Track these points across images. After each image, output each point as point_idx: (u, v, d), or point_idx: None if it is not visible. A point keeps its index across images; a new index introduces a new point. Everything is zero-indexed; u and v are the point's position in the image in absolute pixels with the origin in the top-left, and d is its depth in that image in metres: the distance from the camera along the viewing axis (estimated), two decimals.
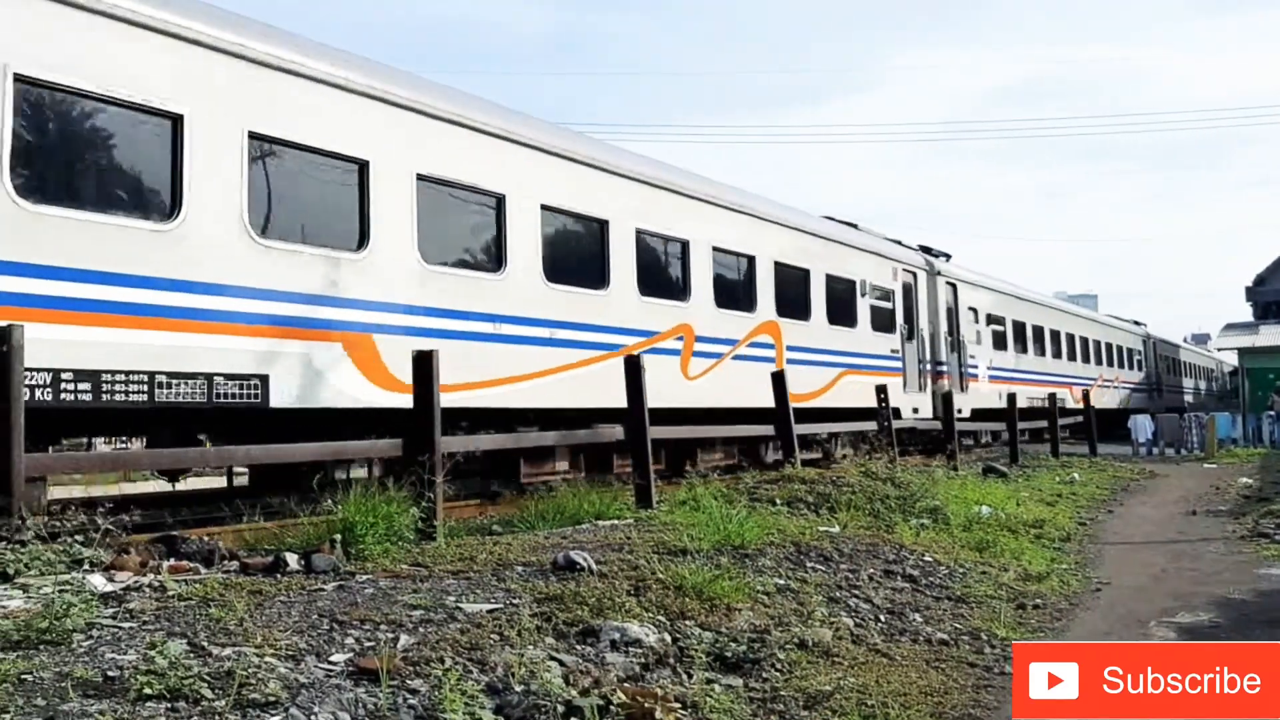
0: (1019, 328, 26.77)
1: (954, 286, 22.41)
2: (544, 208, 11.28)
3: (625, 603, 5.43)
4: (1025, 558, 8.86)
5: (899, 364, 19.30)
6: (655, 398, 11.24)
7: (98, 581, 5.10)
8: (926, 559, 7.99)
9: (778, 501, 9.56)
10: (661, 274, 13.43)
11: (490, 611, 5.04)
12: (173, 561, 5.93)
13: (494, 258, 10.79)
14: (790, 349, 15.58)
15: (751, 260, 15.09)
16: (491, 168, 10.75)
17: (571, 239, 12.15)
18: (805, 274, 16.49)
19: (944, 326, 21.58)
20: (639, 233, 12.72)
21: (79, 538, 5.56)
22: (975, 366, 22.98)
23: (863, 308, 18.14)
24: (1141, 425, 28.74)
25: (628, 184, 12.71)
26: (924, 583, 7.37)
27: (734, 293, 14.75)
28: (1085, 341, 33.08)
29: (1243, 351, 36.49)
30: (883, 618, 6.41)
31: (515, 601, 5.26)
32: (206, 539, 6.68)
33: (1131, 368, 39.39)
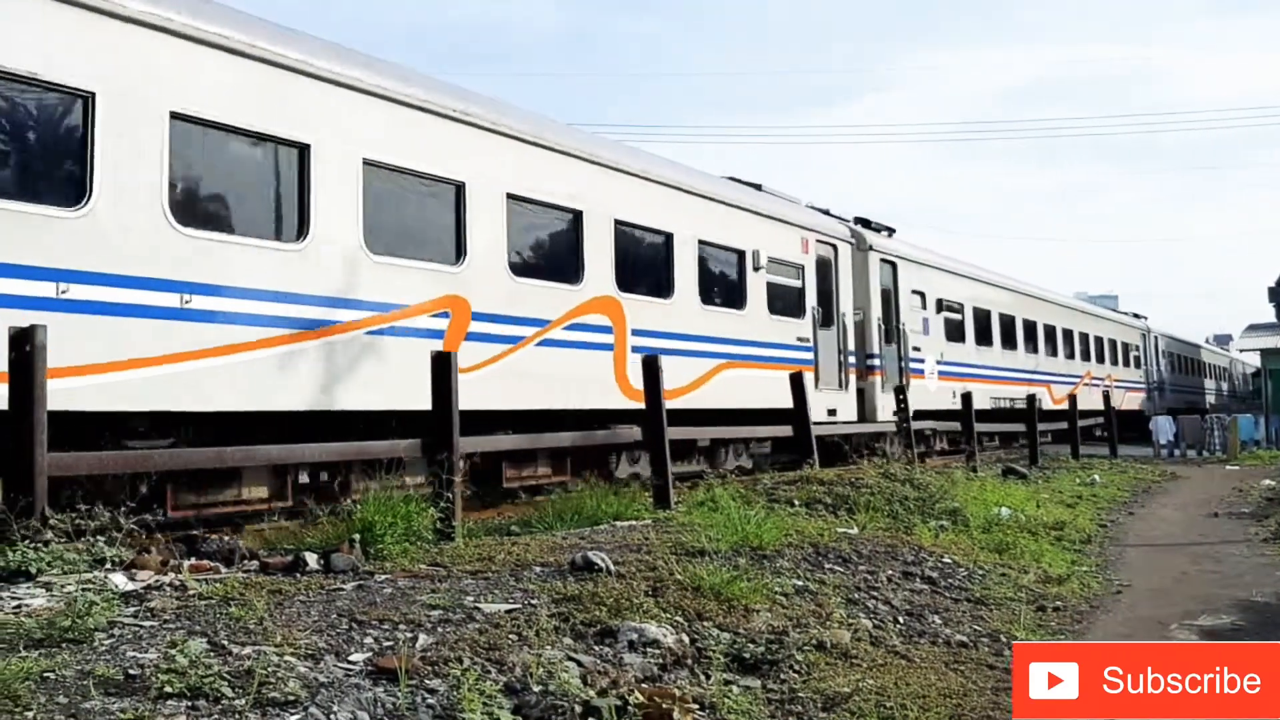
0: (982, 317, 23.02)
1: (893, 265, 18.90)
2: (176, 118, 7.77)
3: (643, 603, 5.43)
4: (1045, 560, 8.81)
5: (809, 355, 15.61)
6: (395, 395, 8.95)
7: (119, 580, 5.14)
8: (946, 561, 7.96)
9: (796, 503, 9.54)
10: (414, 227, 9.79)
11: (508, 612, 5.05)
12: (193, 560, 5.97)
13: (68, 188, 7.24)
14: (638, 334, 12.09)
15: (578, 216, 11.43)
16: (64, 46, 7.21)
17: (238, 169, 8.49)
18: (666, 239, 12.89)
19: (877, 312, 18.08)
20: (370, 167, 9.13)
21: (100, 537, 5.60)
22: (920, 361, 19.42)
23: (755, 285, 14.53)
24: (1163, 426, 28.63)
25: (352, 98, 9.09)
26: (943, 585, 7.34)
27: (545, 258, 11.35)
28: (1070, 335, 29.33)
29: (1265, 352, 36.15)
30: (901, 619, 6.39)
31: (533, 602, 5.26)
32: (227, 538, 6.72)
33: (1128, 365, 35.85)
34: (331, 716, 3.71)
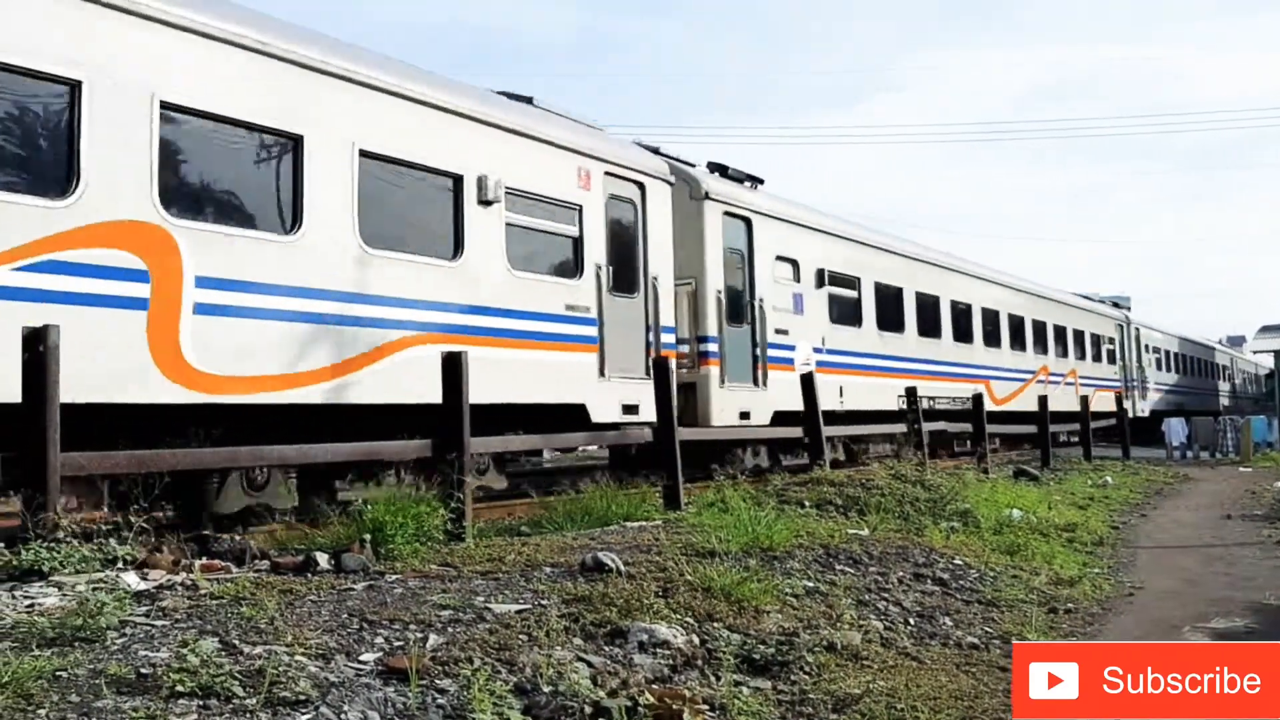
0: (889, 297, 18.54)
1: (747, 222, 14.59)
2: None
3: (653, 604, 5.43)
4: (1057, 561, 8.78)
5: (590, 330, 11.40)
6: None
7: (131, 580, 5.15)
8: (957, 562, 7.94)
9: (806, 504, 9.53)
10: None
11: (519, 612, 5.05)
12: (205, 560, 5.99)
13: None
14: (212, 285, 7.84)
15: (74, 90, 7.17)
16: None
17: None
18: (290, 144, 8.54)
19: (718, 282, 13.80)
20: None
21: (112, 536, 5.62)
22: (789, 349, 15.10)
23: (482, 226, 10.18)
24: (1175, 428, 28.57)
25: None
26: (954, 586, 7.32)
27: None
28: (1020, 322, 24.62)
29: (1279, 354, 35.95)
30: (912, 621, 6.37)
31: (543, 602, 5.27)
32: (238, 538, 6.74)
33: (1100, 360, 31.02)
34: (342, 716, 3.72)
